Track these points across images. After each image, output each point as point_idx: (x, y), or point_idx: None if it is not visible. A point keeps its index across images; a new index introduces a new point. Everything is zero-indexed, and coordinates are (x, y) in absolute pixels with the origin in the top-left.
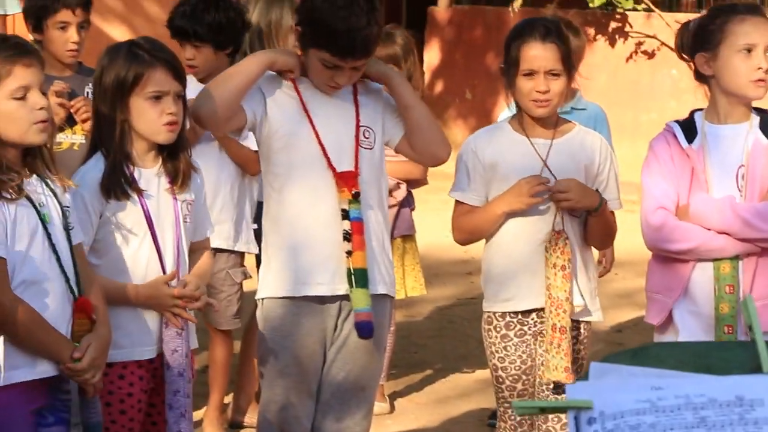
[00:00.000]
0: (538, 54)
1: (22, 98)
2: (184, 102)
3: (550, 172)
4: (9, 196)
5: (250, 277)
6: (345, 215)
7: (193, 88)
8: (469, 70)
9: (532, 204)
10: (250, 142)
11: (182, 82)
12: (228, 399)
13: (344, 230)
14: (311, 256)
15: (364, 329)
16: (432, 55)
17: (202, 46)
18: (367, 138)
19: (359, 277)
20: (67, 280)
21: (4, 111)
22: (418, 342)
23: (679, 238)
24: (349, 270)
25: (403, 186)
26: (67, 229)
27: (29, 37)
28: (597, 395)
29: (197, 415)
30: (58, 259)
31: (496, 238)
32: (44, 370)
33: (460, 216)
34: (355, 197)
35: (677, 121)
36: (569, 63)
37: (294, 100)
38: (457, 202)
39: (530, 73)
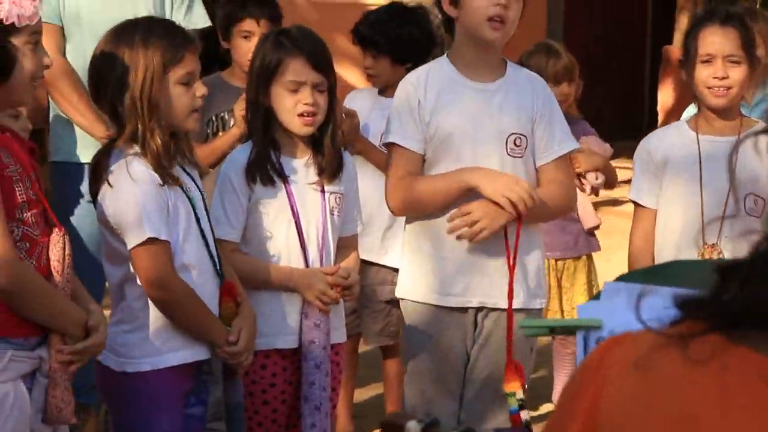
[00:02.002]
0: (717, 39)
1: (187, 84)
2: (332, 94)
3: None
4: (171, 181)
5: None
6: None
7: (371, 99)
8: None
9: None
10: None
11: (325, 73)
12: None
13: None
14: (444, 265)
15: None
16: (666, 93)
17: (380, 56)
18: (518, 146)
19: None
20: (215, 264)
21: (172, 95)
22: None
23: None
24: None
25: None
26: (208, 213)
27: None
28: (607, 314)
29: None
30: (206, 244)
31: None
32: (197, 353)
33: (638, 222)
34: None
35: None
36: (751, 51)
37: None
38: (635, 203)
39: (708, 60)
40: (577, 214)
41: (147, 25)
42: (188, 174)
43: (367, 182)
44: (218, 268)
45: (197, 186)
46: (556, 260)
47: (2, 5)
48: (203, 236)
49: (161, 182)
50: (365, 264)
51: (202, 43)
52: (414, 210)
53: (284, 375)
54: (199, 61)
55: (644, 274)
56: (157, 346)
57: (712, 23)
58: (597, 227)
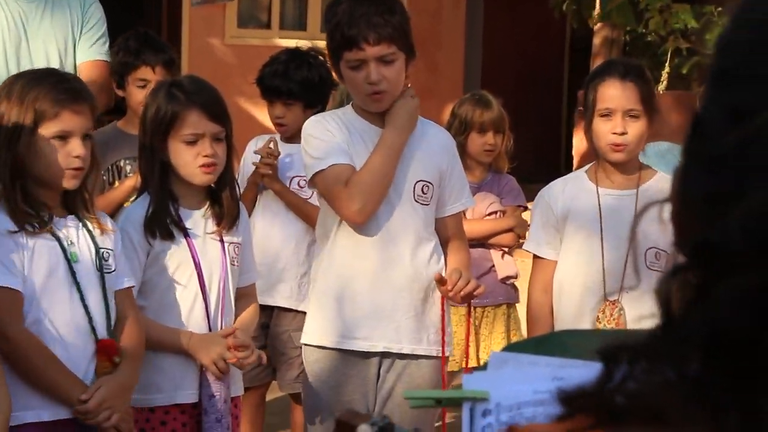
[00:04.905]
0: (617, 93)
1: (62, 142)
2: (229, 143)
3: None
4: (30, 229)
5: None
6: None
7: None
8: None
9: None
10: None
11: (222, 122)
12: None
13: None
14: (352, 309)
15: None
16: (580, 137)
17: (293, 104)
18: (425, 194)
19: None
20: (90, 320)
21: (41, 150)
22: None
23: None
24: None
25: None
26: (101, 270)
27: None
28: (494, 386)
29: None
30: (82, 299)
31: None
32: (57, 412)
33: (537, 273)
34: None
35: None
36: (651, 105)
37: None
38: (534, 256)
39: (607, 114)
40: (493, 263)
41: (34, 78)
42: (87, 228)
43: (280, 230)
44: (97, 324)
45: (93, 241)
46: (475, 308)
47: None
48: (79, 290)
49: (15, 228)
50: (281, 311)
51: None
52: (372, 200)
53: (183, 430)
54: (84, 121)
55: (532, 344)
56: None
57: (612, 77)
58: (513, 277)
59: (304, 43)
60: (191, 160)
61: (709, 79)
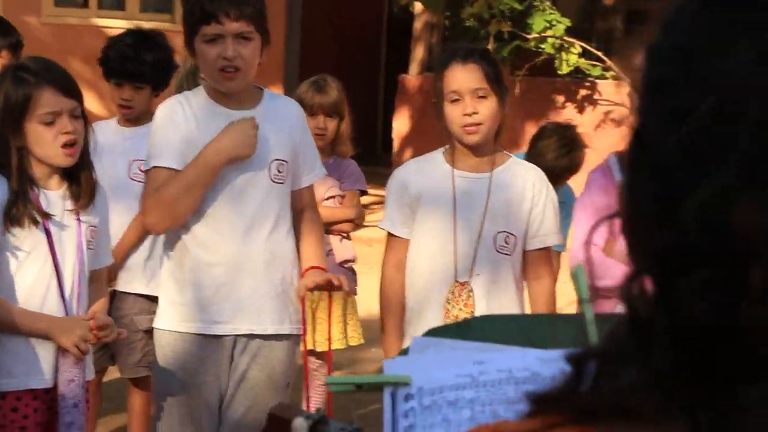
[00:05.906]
0: (460, 75)
1: None
2: (85, 119)
3: (483, 207)
4: None
5: None
6: None
7: (114, 131)
8: (438, 137)
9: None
10: None
11: (77, 98)
12: None
13: None
14: (209, 293)
15: None
16: (401, 122)
17: (143, 87)
18: (281, 173)
19: None
20: None
21: None
22: (362, 399)
23: (602, 275)
24: None
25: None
26: None
27: None
28: (416, 371)
29: None
30: None
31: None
32: None
33: (391, 251)
34: None
35: (620, 152)
36: (499, 85)
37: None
38: (389, 234)
39: (456, 98)
40: (331, 247)
41: None
42: None
43: (124, 217)
44: None
45: None
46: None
47: None
48: None
49: None
50: (123, 294)
51: None
52: (170, 216)
53: (35, 416)
54: None
55: (452, 329)
56: None
57: (454, 61)
58: (351, 261)
59: (123, 24)
60: (52, 140)
61: (645, 89)
